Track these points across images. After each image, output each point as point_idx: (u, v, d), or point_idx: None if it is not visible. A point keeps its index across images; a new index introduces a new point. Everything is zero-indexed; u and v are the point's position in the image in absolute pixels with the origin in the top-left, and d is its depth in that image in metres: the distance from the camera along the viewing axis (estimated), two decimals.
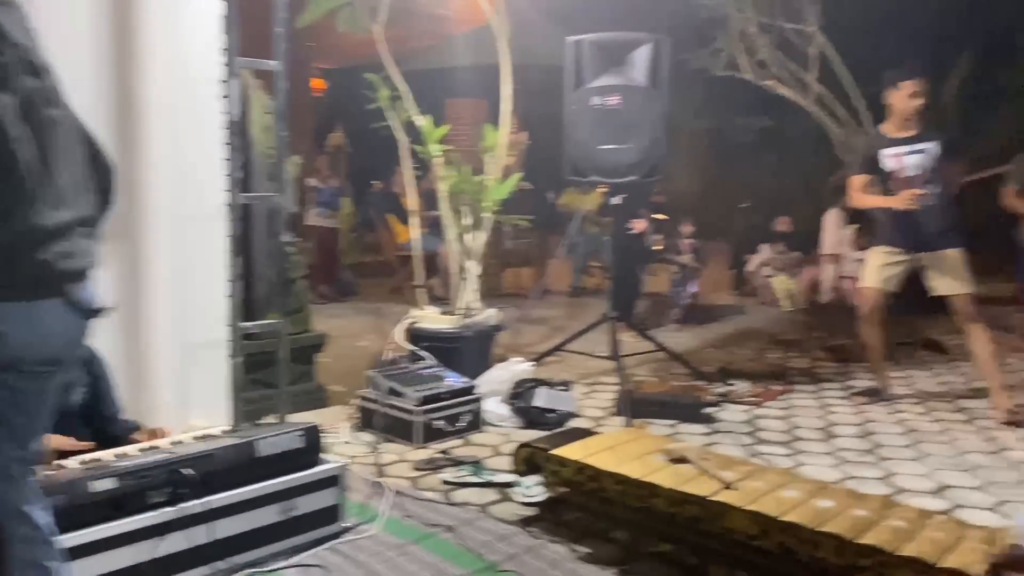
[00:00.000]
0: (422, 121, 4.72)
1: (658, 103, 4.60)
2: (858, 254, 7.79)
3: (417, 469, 3.54)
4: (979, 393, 4.83)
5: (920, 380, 5.21)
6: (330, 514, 2.83)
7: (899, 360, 5.65)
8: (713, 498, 2.53)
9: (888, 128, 4.47)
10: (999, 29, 12.33)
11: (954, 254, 4.36)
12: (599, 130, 4.60)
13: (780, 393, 4.85)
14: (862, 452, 3.86)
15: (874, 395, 4.72)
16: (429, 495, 3.25)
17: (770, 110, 11.08)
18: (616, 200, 4.94)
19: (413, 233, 5.16)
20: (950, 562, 2.14)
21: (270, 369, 3.43)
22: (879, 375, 4.80)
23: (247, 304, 3.99)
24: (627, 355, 5.08)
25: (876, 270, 4.57)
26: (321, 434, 2.90)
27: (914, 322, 6.85)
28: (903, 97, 4.32)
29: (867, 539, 2.25)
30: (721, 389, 4.86)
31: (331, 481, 2.83)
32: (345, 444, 3.83)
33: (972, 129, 10.89)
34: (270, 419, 3.17)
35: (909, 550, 2.20)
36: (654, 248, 8.05)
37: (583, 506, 2.97)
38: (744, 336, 6.57)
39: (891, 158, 4.39)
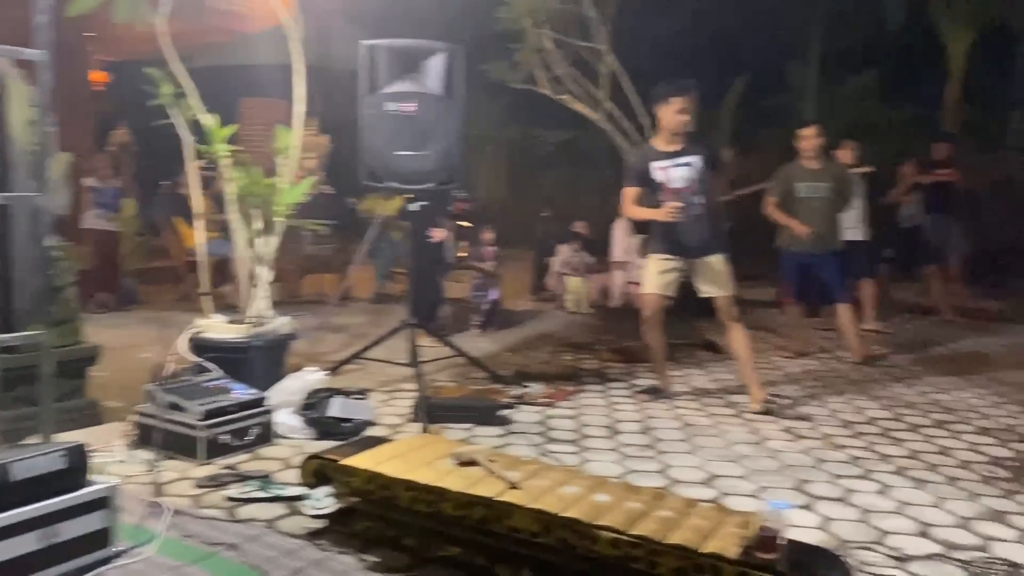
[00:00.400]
0: (208, 120, 4.51)
1: (454, 111, 4.66)
2: (643, 261, 8.27)
3: (200, 487, 3.37)
4: (745, 388, 5.26)
5: (697, 378, 5.60)
6: (99, 539, 2.63)
7: (679, 359, 6.06)
8: (499, 499, 2.59)
9: (658, 142, 4.76)
10: (770, 58, 13.57)
11: (718, 260, 4.72)
12: (395, 136, 4.60)
13: (571, 393, 5.04)
14: (643, 447, 4.10)
15: (655, 393, 5.02)
16: (211, 513, 3.10)
17: (570, 123, 11.53)
18: (414, 207, 4.95)
19: (199, 237, 4.91)
20: (710, 547, 2.32)
21: (33, 385, 3.15)
22: (660, 374, 5.11)
23: (5, 314, 3.66)
24: (426, 361, 5.11)
25: (654, 277, 4.86)
26: (88, 454, 2.69)
27: (694, 324, 7.37)
28: (672, 112, 4.59)
29: (638, 530, 2.39)
30: (517, 391, 4.98)
31: (99, 504, 2.63)
32: (120, 463, 3.57)
33: (744, 146, 11.90)
34: (33, 439, 2.90)
35: (675, 538, 2.36)
36: (458, 255, 8.14)
37: (374, 515, 2.94)
38: (541, 340, 6.79)
39: (659, 170, 4.67)
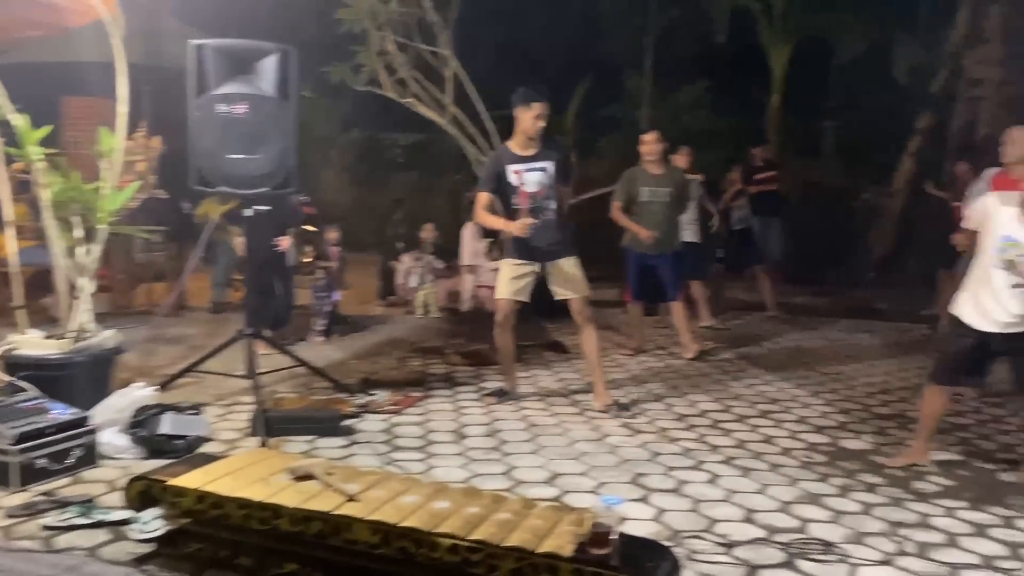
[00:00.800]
0: (18, 120, 4.18)
1: (288, 114, 4.53)
2: (492, 265, 8.35)
3: (11, 517, 3.12)
4: (590, 387, 5.41)
5: (543, 378, 5.70)
6: None
7: (527, 361, 6.16)
8: (336, 512, 2.54)
9: (513, 145, 4.81)
10: (608, 67, 14.04)
11: (570, 262, 4.84)
12: (226, 139, 4.42)
13: (418, 400, 5.02)
14: (488, 450, 4.13)
15: (502, 395, 5.08)
16: (25, 545, 2.87)
17: (418, 126, 11.49)
18: (248, 212, 4.78)
19: (11, 246, 4.54)
20: (546, 547, 2.36)
21: None
22: (509, 376, 5.17)
23: None
24: (266, 372, 4.95)
25: (507, 282, 4.92)
26: None
27: (541, 325, 7.52)
28: (531, 117, 4.64)
29: (476, 534, 2.41)
30: (362, 400, 4.90)
31: None
32: None
33: (585, 152, 12.27)
34: None
35: (512, 540, 2.39)
36: (304, 260, 7.93)
37: (207, 536, 2.81)
38: (389, 346, 6.71)
39: (515, 174, 4.74)
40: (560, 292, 4.87)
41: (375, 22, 7.95)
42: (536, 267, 4.85)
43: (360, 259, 10.62)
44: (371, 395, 5.03)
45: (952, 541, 3.19)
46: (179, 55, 4.48)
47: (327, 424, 4.29)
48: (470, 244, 8.50)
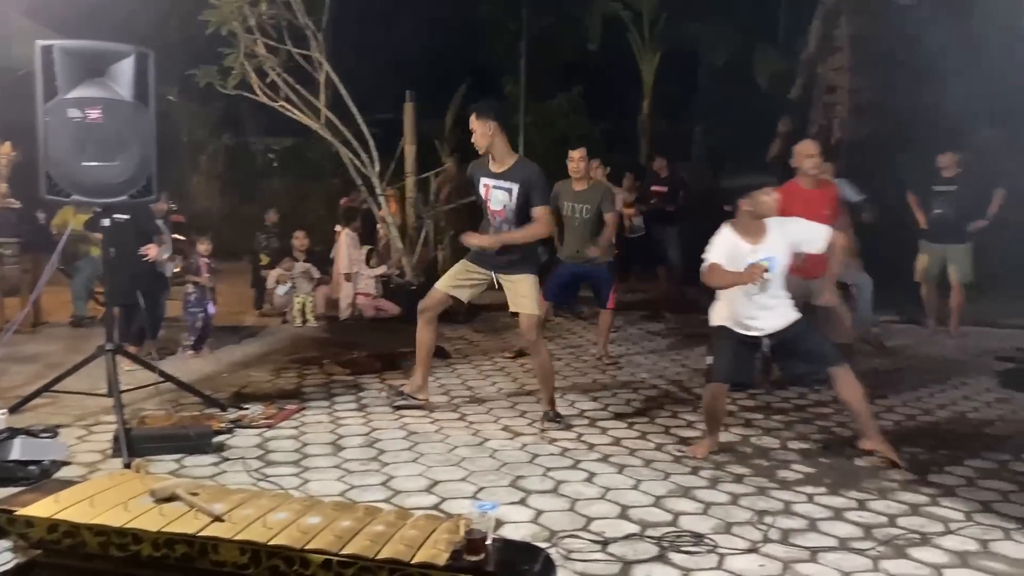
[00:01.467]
0: None
1: (146, 119, 4.33)
2: (371, 272, 8.26)
3: None
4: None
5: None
6: None
7: (407, 368, 6.09)
8: (201, 534, 2.44)
9: (490, 159, 4.69)
10: (486, 72, 14.14)
11: (521, 279, 4.67)
12: (80, 145, 4.18)
13: (294, 412, 4.89)
14: (366, 461, 4.07)
15: (403, 397, 4.98)
16: None
17: (293, 131, 11.23)
18: (105, 221, 4.53)
19: None
20: (421, 557, 2.33)
21: None
22: (418, 373, 5.02)
23: None
24: (130, 389, 4.73)
25: (450, 276, 4.87)
26: None
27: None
28: (483, 134, 4.58)
29: (349, 549, 2.35)
30: (234, 415, 4.74)
31: None
32: None
33: (467, 158, 12.29)
34: None
35: (386, 552, 2.35)
36: (175, 271, 7.59)
37: (62, 567, 2.64)
38: (263, 357, 6.52)
39: (484, 187, 4.70)
40: (512, 305, 4.77)
41: (244, 24, 7.71)
42: (489, 276, 4.77)
43: (233, 268, 10.31)
44: (243, 409, 4.86)
45: (812, 526, 3.36)
46: (31, 57, 4.21)
47: (196, 441, 4.12)
48: (348, 251, 8.36)
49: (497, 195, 4.62)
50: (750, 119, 12.78)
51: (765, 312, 4.05)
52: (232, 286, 8.93)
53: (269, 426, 4.60)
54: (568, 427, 4.67)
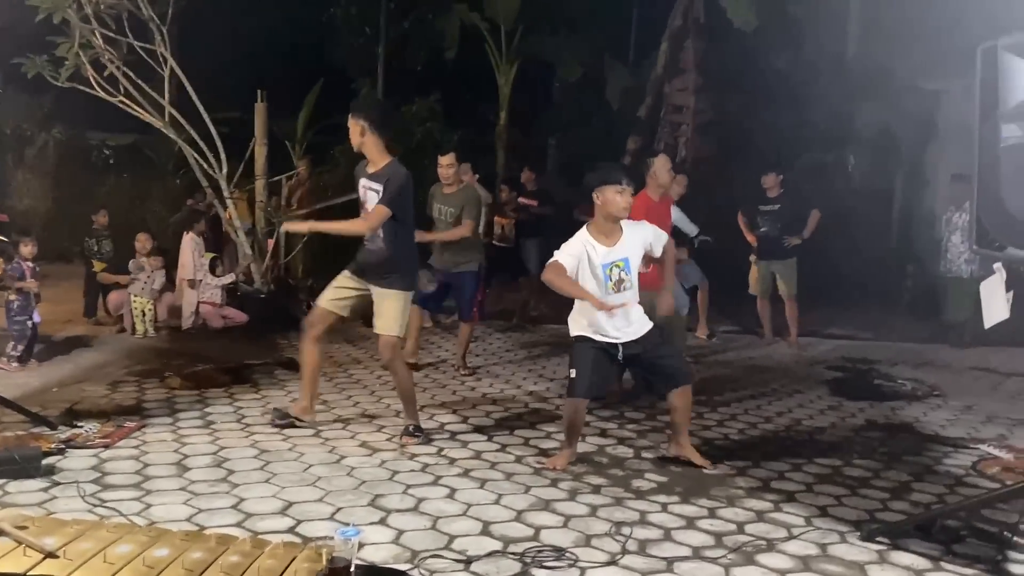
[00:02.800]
0: None
1: None
2: (215, 280, 7.88)
3: None
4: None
5: (276, 399, 5.42)
6: None
7: (257, 381, 5.86)
8: (31, 574, 2.23)
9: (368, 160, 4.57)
10: (342, 75, 13.87)
11: (388, 295, 4.48)
12: None
13: (134, 430, 4.58)
14: (215, 482, 3.86)
15: (285, 419, 4.73)
16: None
17: (132, 127, 10.56)
18: None
19: None
20: None
21: None
22: (304, 394, 4.77)
23: None
24: None
25: (330, 291, 4.64)
26: None
27: (274, 341, 7.22)
28: (353, 132, 4.45)
29: None
30: (65, 434, 4.38)
31: None
32: None
33: (321, 160, 12.01)
34: None
35: None
36: None
37: None
38: (98, 370, 6.08)
39: (362, 188, 4.56)
40: (373, 323, 4.59)
41: (79, 13, 7.19)
42: (367, 288, 4.57)
43: (64, 272, 9.62)
44: (76, 427, 4.51)
45: (667, 535, 3.46)
46: None
47: (20, 465, 3.76)
48: (190, 256, 7.94)
49: (371, 196, 4.53)
50: (601, 134, 13.20)
51: (622, 319, 4.13)
52: (64, 292, 8.30)
53: (106, 446, 4.28)
54: (429, 441, 4.61)
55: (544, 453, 4.50)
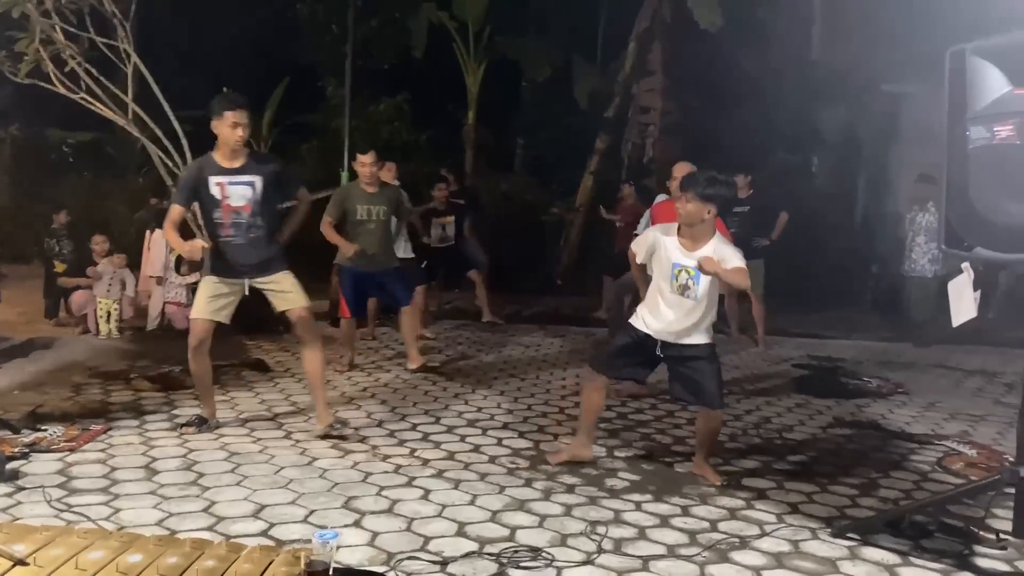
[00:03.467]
0: None
1: None
2: (181, 280, 7.77)
3: None
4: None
5: (244, 401, 5.37)
6: None
7: (225, 383, 5.78)
8: None
9: (218, 156, 4.46)
10: (308, 73, 13.74)
11: (282, 277, 4.57)
12: None
13: (99, 433, 4.49)
14: (185, 486, 3.79)
15: (201, 424, 4.70)
16: None
17: (94, 124, 10.37)
18: None
19: None
20: None
21: None
22: (206, 403, 4.78)
23: None
24: None
25: (205, 301, 4.54)
26: None
27: (241, 342, 7.12)
28: (226, 127, 4.35)
29: None
30: (29, 438, 4.28)
31: None
32: None
33: (287, 157, 11.90)
34: None
35: None
36: None
37: None
38: (62, 372, 5.96)
39: (217, 186, 4.42)
40: (280, 304, 4.61)
41: (39, 7, 7.04)
42: (241, 286, 4.54)
43: (22, 272, 9.43)
44: (40, 431, 4.41)
45: (642, 534, 3.48)
46: None
47: None
48: (158, 255, 7.81)
49: (237, 191, 4.43)
50: (570, 134, 13.24)
51: (676, 318, 4.02)
52: (24, 292, 8.13)
53: (71, 449, 4.20)
54: (342, 437, 4.59)
55: (517, 453, 4.50)
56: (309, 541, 2.34)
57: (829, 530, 3.56)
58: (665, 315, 4.05)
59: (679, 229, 4.04)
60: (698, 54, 11.77)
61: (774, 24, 11.79)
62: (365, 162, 6.21)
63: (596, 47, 14.15)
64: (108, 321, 7.35)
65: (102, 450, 4.25)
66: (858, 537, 3.47)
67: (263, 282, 4.56)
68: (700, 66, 11.86)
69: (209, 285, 4.56)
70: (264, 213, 4.51)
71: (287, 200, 5.02)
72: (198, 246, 4.34)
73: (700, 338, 4.06)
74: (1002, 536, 3.37)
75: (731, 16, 10.83)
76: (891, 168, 11.42)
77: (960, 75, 3.06)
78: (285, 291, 4.58)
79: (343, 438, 4.59)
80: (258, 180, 4.46)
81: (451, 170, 9.56)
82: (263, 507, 3.58)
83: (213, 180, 4.43)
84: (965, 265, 3.28)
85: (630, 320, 4.23)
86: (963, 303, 3.29)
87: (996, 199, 2.98)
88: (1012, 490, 3.21)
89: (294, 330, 4.75)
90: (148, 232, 8.08)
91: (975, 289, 3.27)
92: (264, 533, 3.29)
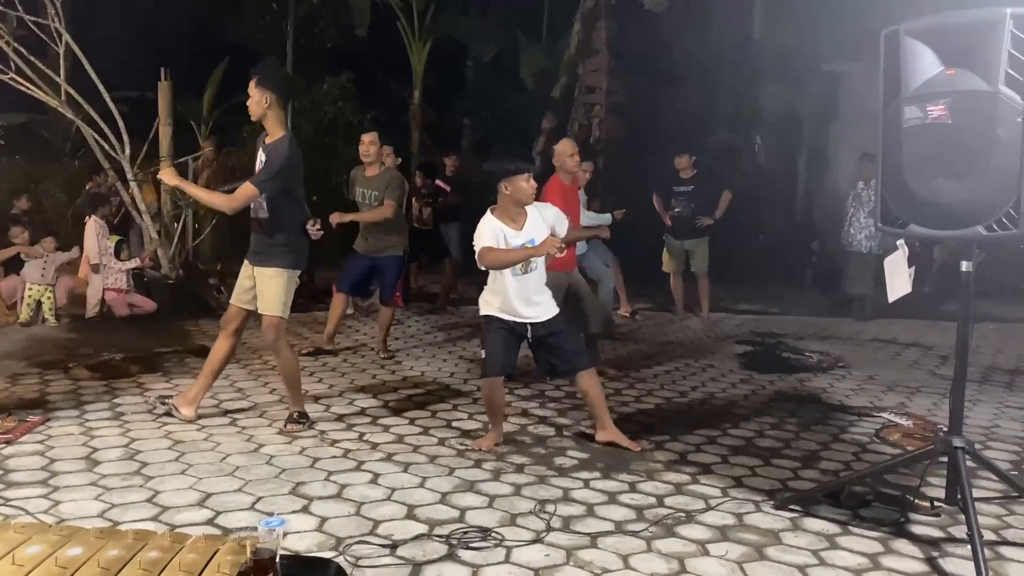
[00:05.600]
0: None
1: None
2: (120, 265, 7.58)
3: None
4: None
5: (190, 388, 5.25)
6: None
7: (168, 369, 5.68)
8: None
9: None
10: (249, 52, 13.42)
11: (268, 273, 4.37)
12: None
13: (37, 424, 4.38)
14: (127, 476, 3.72)
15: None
16: None
17: (24, 105, 10.01)
18: None
19: None
20: None
21: None
22: (198, 388, 4.63)
23: None
24: None
25: (239, 282, 4.50)
26: None
27: (182, 329, 6.99)
28: (258, 102, 4.29)
29: None
30: None
31: None
32: None
33: (230, 140, 11.65)
34: None
35: None
36: None
37: None
38: None
39: (258, 161, 4.41)
40: (253, 304, 4.47)
41: None
42: (251, 268, 4.45)
43: None
44: None
45: (590, 511, 3.51)
46: None
47: None
48: (94, 241, 7.60)
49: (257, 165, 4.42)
50: (516, 114, 13.22)
51: (535, 301, 4.25)
52: None
53: (7, 441, 4.08)
54: (313, 426, 4.53)
55: (467, 435, 4.51)
56: (255, 529, 2.31)
57: (772, 502, 3.64)
58: (521, 298, 4.19)
59: (497, 214, 4.20)
60: (643, 34, 11.84)
61: (716, 5, 11.90)
62: (365, 140, 6.20)
63: (541, 26, 14.12)
64: (32, 308, 7.15)
65: (40, 441, 4.15)
66: (800, 508, 3.56)
67: (257, 272, 4.41)
68: (645, 46, 11.93)
69: (244, 267, 4.50)
70: (271, 199, 4.32)
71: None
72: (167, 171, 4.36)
73: (553, 309, 4.32)
74: (936, 504, 3.50)
75: None
76: (831, 146, 11.65)
77: (894, 56, 3.13)
78: (260, 288, 4.40)
79: (304, 428, 4.50)
80: (262, 156, 4.37)
81: (457, 154, 9.54)
82: (209, 495, 3.53)
83: (260, 151, 4.42)
84: (900, 242, 3.37)
85: (489, 315, 4.27)
86: (898, 279, 3.38)
87: (929, 178, 3.06)
88: (945, 459, 3.32)
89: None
90: (86, 219, 7.85)
91: (910, 265, 3.36)
92: (210, 522, 3.26)
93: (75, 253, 7.60)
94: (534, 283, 4.26)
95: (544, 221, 4.26)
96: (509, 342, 4.26)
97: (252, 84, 4.30)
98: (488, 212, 4.24)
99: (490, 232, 4.15)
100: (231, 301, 4.57)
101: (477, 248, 4.13)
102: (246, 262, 4.50)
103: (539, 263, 4.23)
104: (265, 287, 4.38)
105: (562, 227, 4.37)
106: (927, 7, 3.19)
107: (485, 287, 4.32)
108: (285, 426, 4.50)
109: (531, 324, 4.25)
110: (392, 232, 6.31)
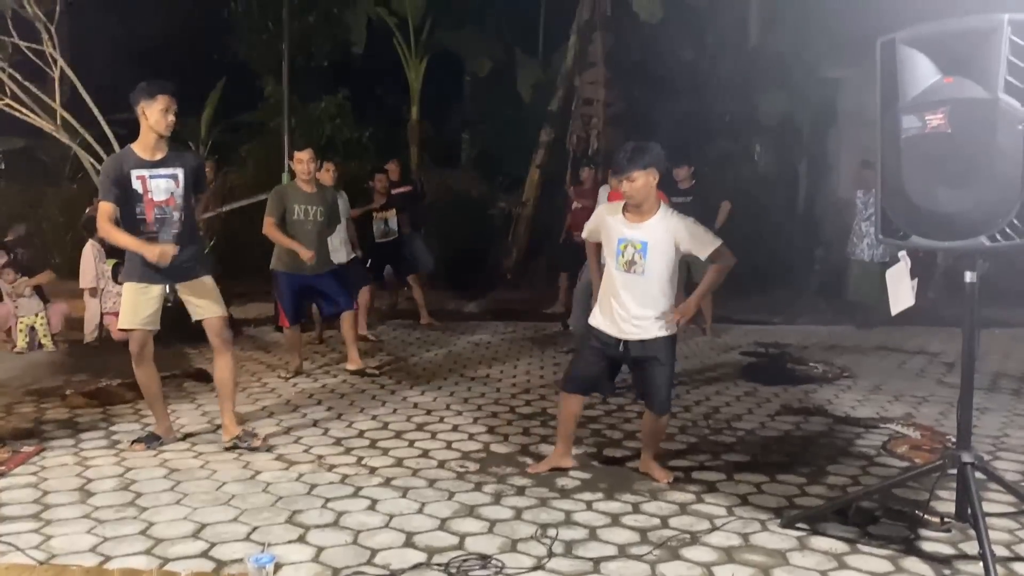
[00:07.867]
0: None
1: None
2: (118, 288, 7.53)
3: None
4: (240, 418, 5.06)
5: (185, 414, 5.22)
6: None
7: (164, 395, 5.58)
8: None
9: (137, 147, 4.30)
10: (246, 72, 13.45)
11: (207, 280, 4.44)
12: None
13: (31, 455, 4.32)
14: (121, 508, 3.65)
15: (154, 440, 4.52)
16: None
17: (23, 130, 10.00)
18: None
19: None
20: None
21: None
22: (159, 418, 4.60)
23: None
24: None
25: (133, 309, 4.38)
26: None
27: (181, 351, 6.94)
28: (158, 111, 4.18)
29: None
30: None
31: None
32: None
33: (224, 159, 11.65)
34: None
35: None
36: None
37: None
38: None
39: (139, 179, 4.24)
40: (197, 312, 4.46)
41: None
42: (164, 288, 4.38)
43: None
44: None
45: (593, 535, 3.44)
46: None
47: None
48: (90, 265, 7.56)
49: (159, 184, 4.28)
50: (514, 128, 13.18)
51: (629, 301, 3.91)
52: None
53: (1, 474, 4.02)
54: (252, 449, 4.46)
55: (467, 456, 4.44)
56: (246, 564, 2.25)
57: (778, 521, 3.57)
58: (620, 301, 3.91)
59: (624, 207, 4.00)
60: (639, 45, 11.82)
61: (711, 12, 11.88)
62: (302, 159, 6.07)
63: (537, 40, 14.11)
64: (26, 334, 7.11)
65: (34, 473, 4.08)
66: (807, 527, 3.48)
67: (187, 285, 4.39)
68: (641, 57, 11.91)
69: (133, 291, 4.37)
70: (187, 208, 4.36)
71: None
72: (169, 252, 4.15)
73: (658, 330, 3.92)
74: (946, 520, 3.42)
75: (670, 5, 10.87)
76: (831, 152, 11.60)
77: (891, 65, 3.08)
78: (202, 298, 4.41)
79: (253, 450, 4.43)
80: (180, 172, 4.32)
81: (399, 161, 9.39)
82: (203, 526, 3.46)
83: (134, 174, 4.24)
84: (902, 254, 3.31)
85: (589, 321, 4.14)
86: (901, 292, 3.32)
87: (929, 188, 3.00)
88: (955, 472, 3.25)
89: (208, 336, 4.52)
90: (90, 242, 7.81)
91: (912, 277, 3.29)
92: (204, 554, 3.18)
93: (44, 278, 7.52)
94: (638, 288, 3.89)
95: (667, 231, 3.91)
96: (596, 357, 4.04)
97: (171, 99, 4.24)
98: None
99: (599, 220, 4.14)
100: (134, 327, 4.40)
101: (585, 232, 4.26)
102: (141, 284, 4.38)
103: (647, 268, 3.87)
104: (207, 292, 4.46)
105: (693, 246, 3.98)
106: (925, 10, 3.14)
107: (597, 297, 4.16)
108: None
109: (625, 342, 3.93)
110: (326, 248, 6.31)
